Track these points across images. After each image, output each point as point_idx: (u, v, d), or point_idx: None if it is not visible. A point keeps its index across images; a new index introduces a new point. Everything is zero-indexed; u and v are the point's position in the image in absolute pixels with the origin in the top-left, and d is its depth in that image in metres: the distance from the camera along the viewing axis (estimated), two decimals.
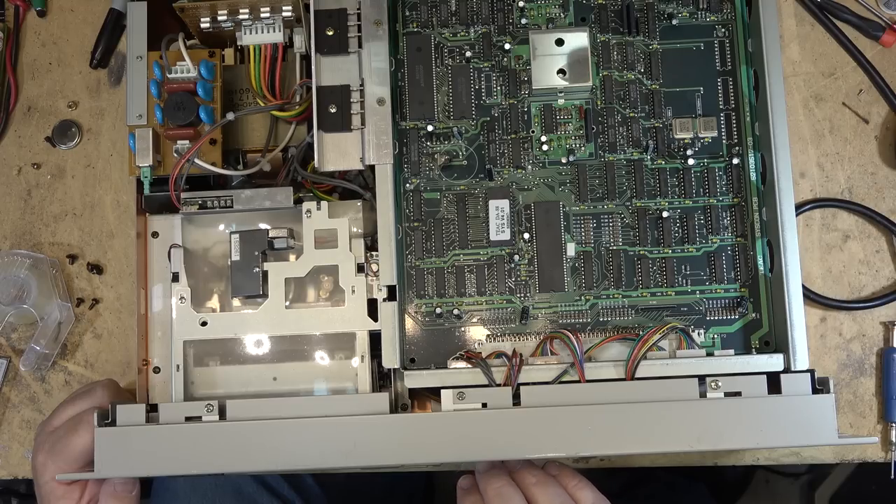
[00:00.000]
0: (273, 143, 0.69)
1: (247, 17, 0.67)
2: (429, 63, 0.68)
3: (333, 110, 0.64)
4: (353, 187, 0.67)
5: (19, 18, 0.78)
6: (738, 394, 0.59)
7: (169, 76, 0.66)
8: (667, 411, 0.58)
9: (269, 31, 0.68)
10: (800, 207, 0.72)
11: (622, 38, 0.68)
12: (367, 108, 0.65)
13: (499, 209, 0.66)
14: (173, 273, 0.66)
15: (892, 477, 0.69)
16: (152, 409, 0.61)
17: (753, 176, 0.66)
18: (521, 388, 0.60)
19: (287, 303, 0.65)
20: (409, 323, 0.65)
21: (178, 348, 0.65)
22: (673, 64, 0.67)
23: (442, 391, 0.60)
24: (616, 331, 0.65)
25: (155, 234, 0.68)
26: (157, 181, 0.65)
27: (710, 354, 0.62)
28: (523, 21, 0.68)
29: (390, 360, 0.62)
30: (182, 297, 0.65)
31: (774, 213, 0.62)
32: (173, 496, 0.80)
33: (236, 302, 0.67)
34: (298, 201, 0.66)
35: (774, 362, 0.61)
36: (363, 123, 0.64)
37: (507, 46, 0.68)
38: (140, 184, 0.65)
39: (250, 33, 0.68)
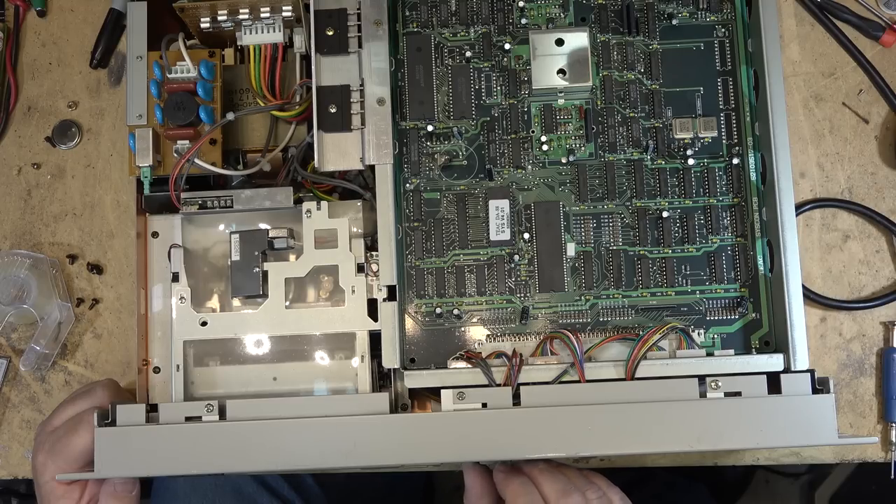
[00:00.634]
0: (273, 143, 0.69)
1: (247, 17, 0.67)
2: (429, 63, 0.68)
3: (333, 110, 0.64)
4: (353, 187, 0.67)
5: (19, 18, 0.78)
6: (738, 394, 0.59)
7: (169, 76, 0.66)
8: (667, 411, 0.58)
9: (269, 31, 0.68)
10: (800, 207, 0.72)
11: (622, 38, 0.68)
12: (367, 108, 0.65)
13: (499, 209, 0.66)
14: (173, 273, 0.66)
15: (892, 477, 0.69)
16: (152, 409, 0.61)
17: (753, 176, 0.66)
18: (521, 388, 0.60)
19: (287, 303, 0.65)
20: (409, 323, 0.65)
21: (178, 348, 0.65)
22: (673, 64, 0.67)
23: (442, 391, 0.60)
24: (616, 331, 0.64)
25: (155, 234, 0.68)
26: (157, 181, 0.65)
27: (710, 354, 0.62)
28: (523, 21, 0.68)
29: (390, 360, 0.62)
30: (182, 297, 0.65)
31: (774, 213, 0.62)
32: (173, 496, 0.80)
33: (236, 302, 0.67)
34: (298, 201, 0.66)
35: (774, 362, 0.61)
36: (363, 123, 0.64)
37: (507, 46, 0.68)
38: (140, 184, 0.65)
39: (250, 33, 0.68)
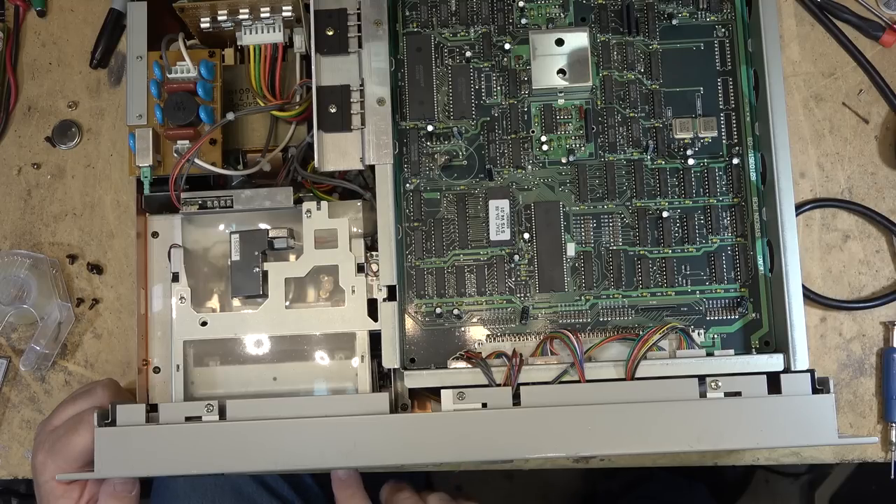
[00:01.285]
0: (273, 143, 0.69)
1: (247, 17, 0.67)
2: (429, 63, 0.68)
3: (333, 110, 0.64)
4: (353, 187, 0.67)
5: (19, 18, 0.78)
6: (738, 394, 0.59)
7: (169, 76, 0.66)
8: (667, 411, 0.58)
9: (269, 31, 0.68)
10: (800, 207, 0.72)
11: (622, 38, 0.68)
12: (367, 108, 0.65)
13: (499, 209, 0.66)
14: (173, 273, 0.66)
15: (893, 477, 0.69)
16: (152, 409, 0.61)
17: (753, 176, 0.66)
18: (521, 388, 0.60)
19: (287, 303, 0.65)
20: (409, 323, 0.65)
21: (178, 348, 0.65)
22: (673, 64, 0.67)
23: (442, 391, 0.60)
24: (616, 331, 0.65)
25: (155, 234, 0.68)
26: (157, 181, 0.65)
27: (710, 354, 0.62)
28: (523, 21, 0.68)
29: (390, 360, 0.62)
30: (182, 297, 0.65)
31: (774, 213, 0.62)
32: (173, 496, 0.80)
33: (236, 302, 0.67)
34: (298, 201, 0.66)
35: (774, 362, 0.61)
36: (363, 123, 0.64)
37: (507, 46, 0.68)
38: (140, 184, 0.65)
39: (250, 33, 0.68)
